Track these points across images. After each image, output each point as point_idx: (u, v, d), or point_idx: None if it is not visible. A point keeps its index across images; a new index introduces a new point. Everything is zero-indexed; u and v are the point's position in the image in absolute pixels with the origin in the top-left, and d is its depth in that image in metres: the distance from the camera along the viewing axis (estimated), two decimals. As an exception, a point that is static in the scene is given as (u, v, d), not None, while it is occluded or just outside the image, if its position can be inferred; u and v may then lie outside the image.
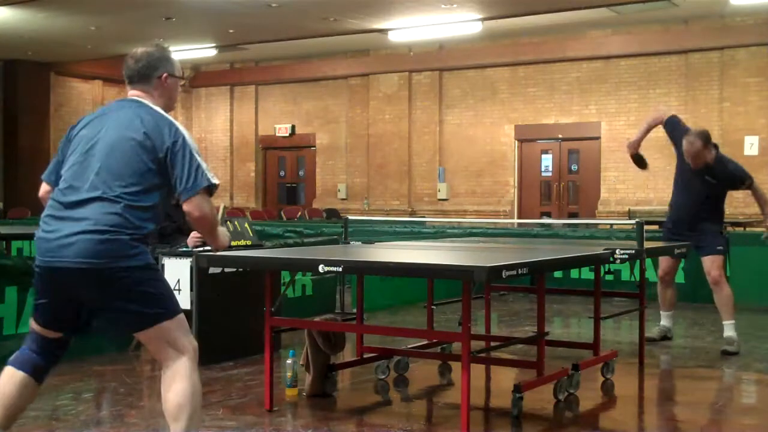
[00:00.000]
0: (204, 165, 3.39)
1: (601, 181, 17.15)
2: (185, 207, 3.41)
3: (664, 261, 7.04)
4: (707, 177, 6.63)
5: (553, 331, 7.26)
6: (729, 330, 6.66)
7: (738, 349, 6.53)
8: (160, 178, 3.39)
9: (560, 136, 17.67)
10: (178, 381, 3.34)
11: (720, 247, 6.74)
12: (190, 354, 3.39)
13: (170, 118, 3.46)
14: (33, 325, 3.56)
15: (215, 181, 3.41)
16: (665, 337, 7.13)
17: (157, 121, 3.39)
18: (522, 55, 17.66)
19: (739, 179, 6.75)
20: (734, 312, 6.72)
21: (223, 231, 3.69)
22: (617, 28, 16.67)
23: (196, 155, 3.38)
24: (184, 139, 3.37)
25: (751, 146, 15.20)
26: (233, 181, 21.84)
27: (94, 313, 3.49)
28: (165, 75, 3.58)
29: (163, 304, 3.37)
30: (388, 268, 4.54)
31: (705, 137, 6.57)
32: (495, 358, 5.69)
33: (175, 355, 3.37)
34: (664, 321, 7.18)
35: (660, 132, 15.04)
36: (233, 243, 6.20)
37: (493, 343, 5.80)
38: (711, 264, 6.71)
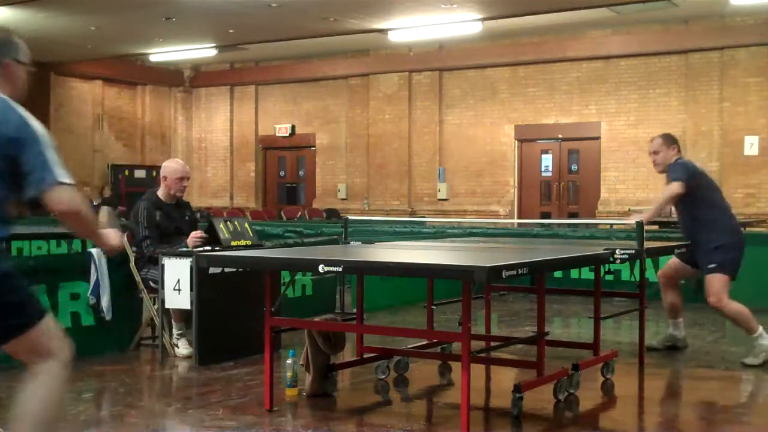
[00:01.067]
0: (58, 162, 3.04)
1: (601, 181, 17.15)
2: (48, 203, 3.04)
3: (668, 263, 6.60)
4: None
5: (553, 331, 7.26)
6: (761, 340, 6.12)
7: (762, 361, 6.05)
8: (9, 177, 3.04)
9: (560, 136, 17.67)
10: (40, 389, 3.10)
11: (712, 265, 6.11)
12: (59, 357, 3.13)
13: (19, 108, 3.13)
14: None
15: (68, 180, 3.04)
16: (673, 346, 6.58)
17: (5, 112, 3.07)
18: (522, 55, 17.67)
19: (670, 176, 6.25)
20: (752, 322, 6.13)
21: (109, 230, 3.37)
22: (617, 28, 16.67)
23: (51, 149, 3.05)
24: (35, 130, 3.05)
25: (751, 146, 15.21)
26: (233, 181, 21.84)
27: None
28: (10, 62, 3.21)
29: (26, 312, 3.10)
30: (388, 268, 4.54)
31: (666, 136, 6.46)
32: (495, 358, 5.69)
33: (43, 360, 3.11)
34: (671, 329, 6.63)
35: (659, 132, 15.12)
36: (233, 243, 6.21)
37: (493, 343, 5.80)
38: (708, 288, 6.16)
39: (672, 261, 6.57)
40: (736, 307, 6.16)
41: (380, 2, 13.55)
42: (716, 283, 6.12)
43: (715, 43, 15.84)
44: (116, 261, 6.39)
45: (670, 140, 6.42)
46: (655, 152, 6.38)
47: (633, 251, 5.18)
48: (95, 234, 3.29)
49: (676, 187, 6.13)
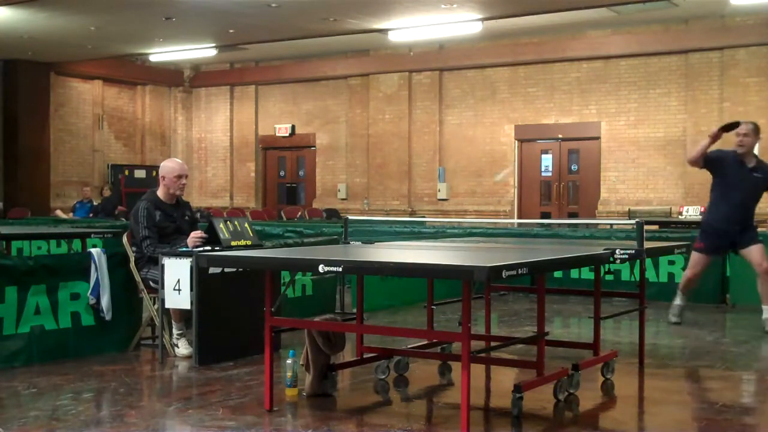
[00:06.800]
0: None
1: (601, 181, 17.15)
2: None
3: (701, 262, 7.67)
4: (756, 174, 7.43)
5: (553, 331, 7.26)
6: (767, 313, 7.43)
7: None
8: None
9: (560, 136, 17.67)
10: None
11: (759, 237, 7.56)
12: None
13: None
14: None
15: None
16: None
17: None
18: (522, 55, 17.67)
19: None
20: None
21: None
22: (617, 28, 16.67)
23: None
24: None
25: (751, 146, 15.19)
26: (233, 181, 21.85)
27: None
28: None
29: None
30: (388, 268, 4.54)
31: (755, 124, 7.53)
32: (495, 358, 5.69)
33: None
34: (681, 300, 7.85)
35: (659, 132, 15.33)
36: (233, 243, 6.21)
37: (493, 343, 5.79)
38: (761, 255, 7.42)
39: (702, 258, 7.63)
40: None
41: (380, 2, 13.55)
42: (763, 251, 7.42)
43: (715, 43, 15.83)
44: (116, 261, 6.40)
45: (758, 131, 7.53)
46: (746, 135, 7.41)
47: (633, 251, 5.17)
48: None
49: None
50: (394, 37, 16.24)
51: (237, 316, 6.05)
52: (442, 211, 18.49)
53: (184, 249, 6.11)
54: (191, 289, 5.88)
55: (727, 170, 7.48)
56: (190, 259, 5.83)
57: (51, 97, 19.43)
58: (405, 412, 4.95)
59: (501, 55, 17.84)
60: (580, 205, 17.66)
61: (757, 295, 7.85)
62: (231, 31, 15.99)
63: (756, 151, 7.87)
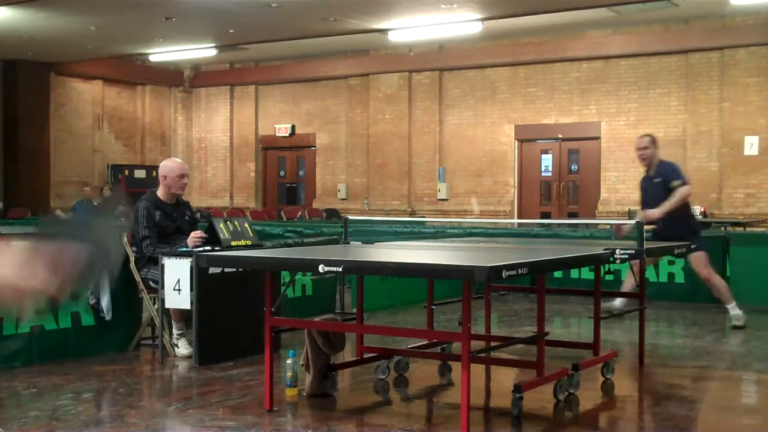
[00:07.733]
0: None
1: (601, 181, 17.14)
2: None
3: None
4: (656, 180, 7.64)
5: (553, 331, 7.26)
6: (733, 310, 7.53)
7: (745, 324, 7.44)
8: None
9: (560, 136, 17.66)
10: None
11: (694, 246, 7.20)
12: None
13: None
14: None
15: None
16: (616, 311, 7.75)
17: None
18: (522, 55, 17.66)
19: (672, 175, 7.57)
20: (731, 295, 7.61)
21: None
22: (617, 28, 16.67)
23: None
24: None
25: (751, 146, 15.20)
26: (233, 181, 21.84)
27: None
28: None
29: None
30: (388, 268, 4.54)
31: (653, 136, 7.82)
32: (495, 358, 5.69)
33: None
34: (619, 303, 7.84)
35: (659, 132, 15.43)
36: (233, 243, 6.21)
37: (493, 343, 5.80)
38: (696, 264, 7.62)
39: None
40: (720, 279, 7.68)
41: (380, 2, 13.54)
42: (703, 258, 7.59)
43: (715, 43, 15.83)
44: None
45: (655, 141, 7.77)
46: (645, 148, 7.67)
47: (633, 251, 5.18)
48: None
49: (688, 189, 7.52)
50: (394, 37, 16.23)
51: (237, 316, 6.05)
52: (442, 211, 18.48)
53: (184, 249, 6.11)
54: (191, 289, 5.88)
55: (642, 190, 7.93)
56: (190, 259, 5.83)
57: (51, 97, 19.42)
58: (405, 412, 4.95)
59: (501, 55, 17.84)
60: (580, 205, 17.65)
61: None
62: (231, 31, 15.98)
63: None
